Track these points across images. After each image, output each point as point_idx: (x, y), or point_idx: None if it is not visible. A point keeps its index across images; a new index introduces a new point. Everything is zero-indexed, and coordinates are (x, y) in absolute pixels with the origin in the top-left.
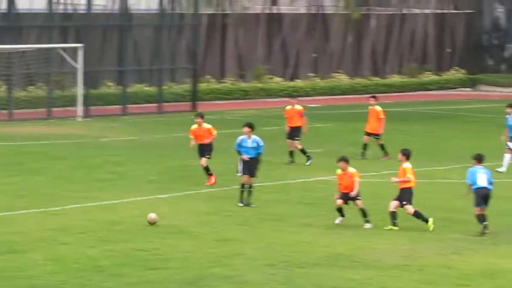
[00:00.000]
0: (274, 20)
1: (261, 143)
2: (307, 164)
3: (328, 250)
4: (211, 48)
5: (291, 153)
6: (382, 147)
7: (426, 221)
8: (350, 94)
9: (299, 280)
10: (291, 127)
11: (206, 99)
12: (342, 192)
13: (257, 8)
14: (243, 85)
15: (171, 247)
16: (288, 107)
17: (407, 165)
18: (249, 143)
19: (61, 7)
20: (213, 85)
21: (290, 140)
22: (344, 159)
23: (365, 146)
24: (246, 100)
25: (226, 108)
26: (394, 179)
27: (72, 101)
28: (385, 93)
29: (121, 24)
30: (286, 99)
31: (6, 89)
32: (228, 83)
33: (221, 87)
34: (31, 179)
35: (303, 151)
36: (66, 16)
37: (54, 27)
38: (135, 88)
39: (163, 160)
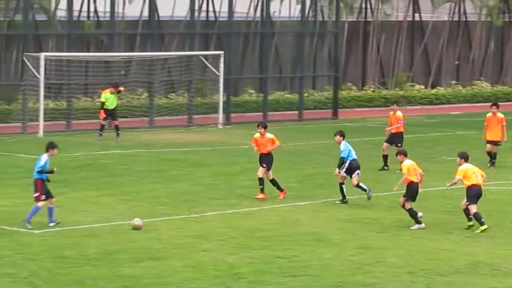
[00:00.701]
0: (416, 28)
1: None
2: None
3: (469, 258)
4: (353, 55)
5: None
6: (494, 156)
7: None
8: (492, 102)
9: None
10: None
11: (347, 106)
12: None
13: (399, 16)
14: (384, 92)
15: (310, 254)
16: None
17: (462, 167)
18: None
19: (203, 14)
20: (354, 92)
21: (387, 144)
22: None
23: (489, 154)
24: (387, 108)
25: (366, 115)
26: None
27: (213, 108)
28: None
29: (262, 32)
30: (427, 106)
31: (147, 96)
32: (369, 90)
33: (362, 95)
34: (172, 186)
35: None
36: (208, 23)
37: (196, 34)
38: (276, 95)
39: (303, 167)
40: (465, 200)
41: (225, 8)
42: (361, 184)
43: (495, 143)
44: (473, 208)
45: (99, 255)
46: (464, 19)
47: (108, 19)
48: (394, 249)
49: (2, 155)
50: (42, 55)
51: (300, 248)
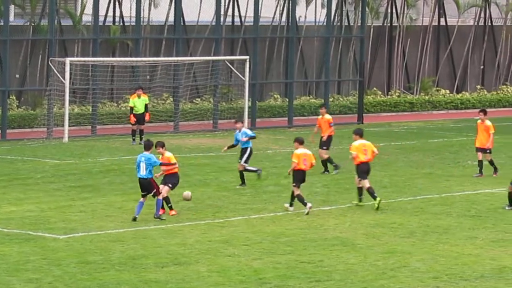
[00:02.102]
0: (441, 32)
1: None
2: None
3: (494, 263)
4: (378, 60)
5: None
6: (491, 162)
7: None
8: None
9: None
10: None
11: (372, 111)
12: None
13: (424, 20)
14: (409, 97)
15: (335, 259)
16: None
17: (355, 143)
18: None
19: (229, 19)
20: (380, 97)
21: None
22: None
23: (480, 163)
24: (413, 113)
25: (392, 120)
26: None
27: (238, 113)
28: None
29: (288, 36)
30: (452, 111)
31: (172, 101)
32: (395, 95)
33: (388, 99)
34: (197, 190)
35: (329, 161)
36: (233, 28)
37: (221, 39)
38: (301, 100)
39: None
40: (356, 177)
41: (250, 13)
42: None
43: (483, 150)
44: (366, 183)
45: (124, 260)
46: (489, 24)
47: (133, 24)
48: (419, 254)
49: (27, 160)
50: (68, 60)
51: (325, 253)
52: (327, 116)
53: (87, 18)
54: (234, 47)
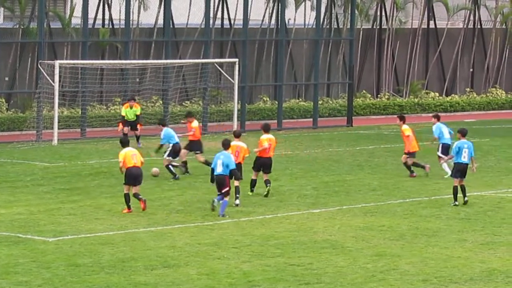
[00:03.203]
0: (431, 35)
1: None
2: None
3: (483, 266)
4: (367, 63)
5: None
6: (415, 164)
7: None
8: (507, 110)
9: None
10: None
11: (362, 114)
12: None
13: (414, 23)
14: (399, 100)
15: (325, 262)
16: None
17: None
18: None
19: (218, 22)
20: (369, 100)
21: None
22: None
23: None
24: None
25: (381, 123)
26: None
27: (227, 116)
28: None
29: (277, 39)
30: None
31: (162, 104)
32: (384, 98)
33: (377, 102)
34: (187, 193)
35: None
36: (223, 31)
37: (211, 42)
38: (290, 103)
39: (318, 175)
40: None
41: (240, 16)
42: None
43: (410, 154)
44: (255, 176)
45: (113, 263)
46: (479, 27)
47: (123, 26)
48: (408, 256)
49: (16, 162)
50: (57, 62)
51: (315, 255)
52: (195, 124)
53: (76, 20)
54: (224, 50)
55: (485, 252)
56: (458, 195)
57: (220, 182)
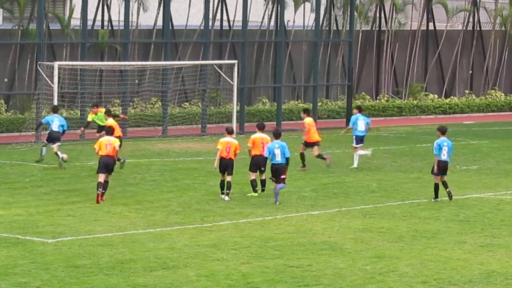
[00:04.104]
0: (430, 37)
1: None
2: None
3: (482, 268)
4: (367, 64)
5: None
6: (319, 156)
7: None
8: (506, 111)
9: None
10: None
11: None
12: None
13: (413, 25)
14: (398, 102)
15: (324, 264)
16: None
17: (253, 135)
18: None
19: (217, 23)
20: (368, 101)
21: None
22: None
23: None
24: (401, 117)
25: (380, 124)
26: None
27: (226, 118)
28: None
29: (276, 41)
30: (441, 116)
31: (161, 105)
32: (383, 100)
33: (376, 104)
34: (185, 195)
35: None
36: (222, 32)
37: (210, 43)
38: (289, 104)
39: (317, 177)
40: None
41: (239, 17)
42: None
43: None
44: (253, 176)
45: (112, 264)
46: (478, 28)
47: (122, 28)
48: (407, 258)
49: (15, 164)
50: (56, 64)
51: (314, 257)
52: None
53: (75, 22)
54: (223, 52)
55: (484, 254)
56: (448, 191)
57: (279, 170)
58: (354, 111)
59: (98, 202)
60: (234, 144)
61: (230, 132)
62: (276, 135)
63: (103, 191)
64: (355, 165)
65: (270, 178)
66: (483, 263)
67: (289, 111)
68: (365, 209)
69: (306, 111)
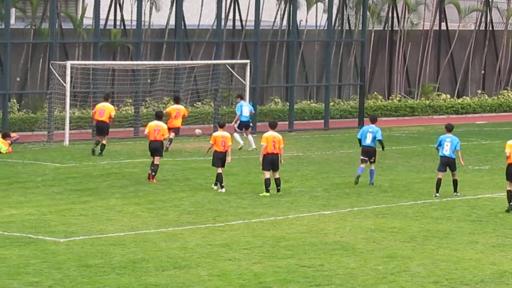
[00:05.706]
0: (442, 37)
1: None
2: None
3: (494, 268)
4: (379, 64)
5: None
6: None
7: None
8: None
9: None
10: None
11: None
12: None
13: (425, 25)
14: (410, 102)
15: (335, 264)
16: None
17: (265, 134)
18: None
19: (229, 23)
20: (380, 101)
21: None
22: None
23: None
24: (413, 117)
25: (392, 124)
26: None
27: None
28: None
29: (289, 40)
30: (453, 116)
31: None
32: (395, 100)
33: (388, 104)
34: (197, 194)
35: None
36: (234, 32)
37: (222, 43)
38: (302, 104)
39: (330, 177)
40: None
41: (251, 17)
42: None
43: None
44: (267, 174)
45: (124, 264)
46: (490, 28)
47: (134, 27)
48: (419, 258)
49: (27, 163)
50: (68, 63)
51: (325, 257)
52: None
53: (88, 21)
54: (235, 51)
55: (496, 254)
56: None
57: (370, 152)
58: (238, 99)
59: (149, 179)
60: (228, 138)
61: (222, 126)
62: (373, 119)
63: (153, 173)
64: (240, 143)
65: (361, 159)
66: (495, 263)
67: (302, 110)
68: (377, 209)
69: (177, 99)
